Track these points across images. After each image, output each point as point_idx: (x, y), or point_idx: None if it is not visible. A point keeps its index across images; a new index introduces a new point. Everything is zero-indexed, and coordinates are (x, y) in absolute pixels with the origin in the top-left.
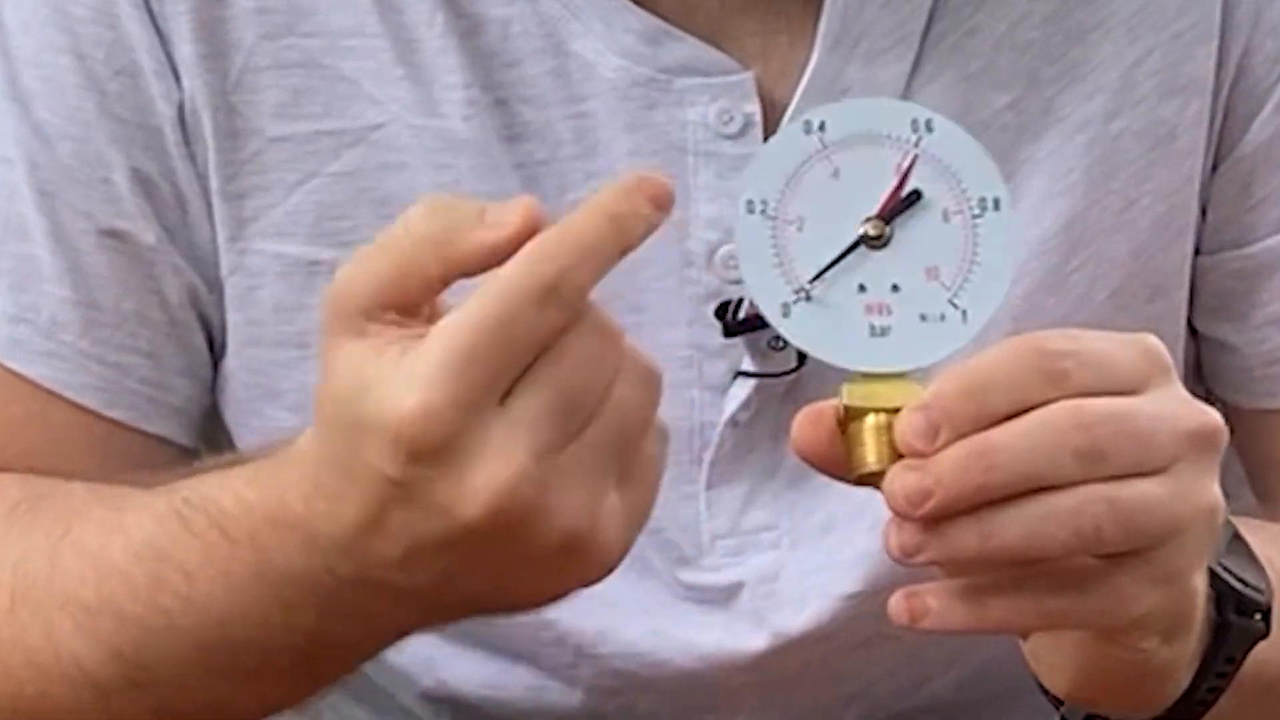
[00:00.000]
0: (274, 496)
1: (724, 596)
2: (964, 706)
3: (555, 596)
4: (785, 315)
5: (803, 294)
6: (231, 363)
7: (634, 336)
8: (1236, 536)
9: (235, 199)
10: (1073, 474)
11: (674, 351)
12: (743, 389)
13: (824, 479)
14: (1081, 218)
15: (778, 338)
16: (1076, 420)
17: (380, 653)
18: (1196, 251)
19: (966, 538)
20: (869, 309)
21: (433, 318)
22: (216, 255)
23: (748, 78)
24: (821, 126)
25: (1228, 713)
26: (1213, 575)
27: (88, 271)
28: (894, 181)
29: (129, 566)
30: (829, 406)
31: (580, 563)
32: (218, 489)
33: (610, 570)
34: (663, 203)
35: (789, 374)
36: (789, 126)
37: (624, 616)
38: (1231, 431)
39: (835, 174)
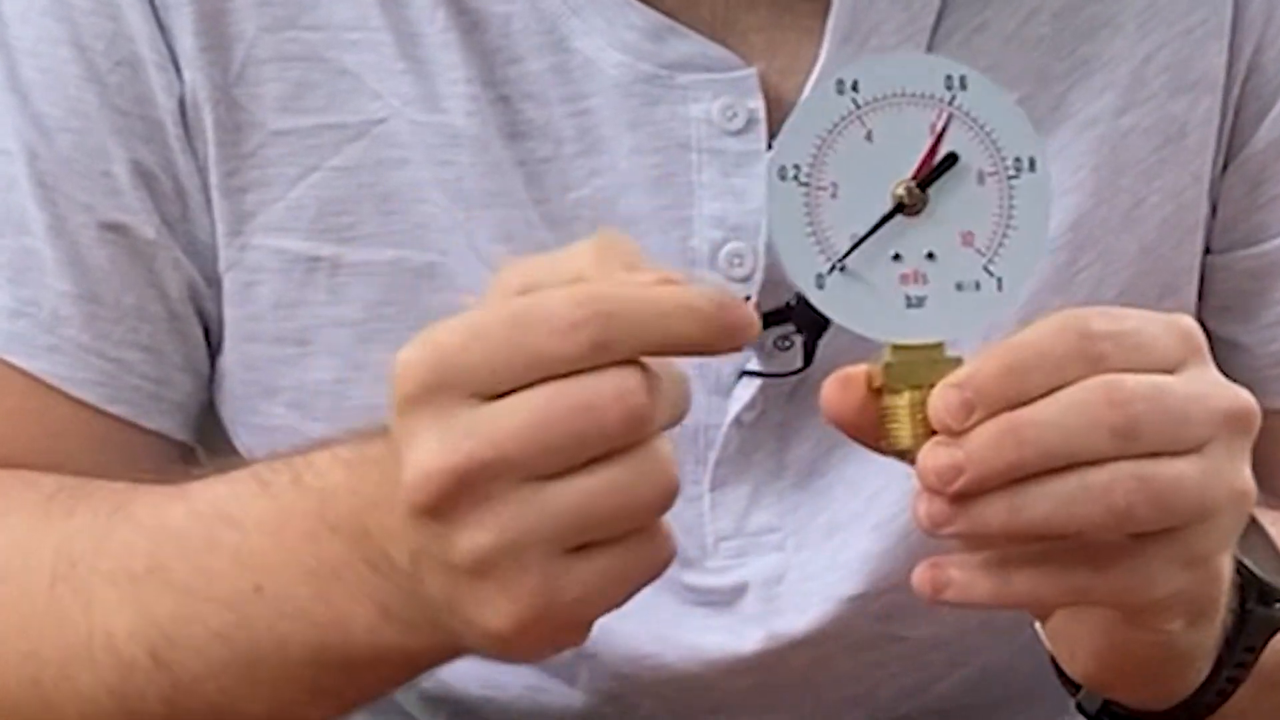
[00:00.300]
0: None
1: (728, 599)
2: (967, 710)
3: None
4: (820, 287)
5: (837, 265)
6: (229, 359)
7: None
8: (1254, 525)
9: (235, 193)
10: (1106, 451)
11: None
12: (748, 389)
13: (828, 480)
14: (1090, 215)
15: (784, 336)
16: (1111, 397)
17: (400, 686)
18: (1206, 250)
19: (996, 511)
20: (904, 279)
21: None
22: (215, 250)
23: (752, 74)
24: (855, 86)
25: (1244, 702)
26: (1236, 563)
27: (88, 265)
28: (928, 142)
29: (187, 525)
30: (859, 372)
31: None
32: (314, 451)
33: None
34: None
35: (795, 374)
36: (820, 86)
37: (625, 619)
38: None
39: (868, 136)
